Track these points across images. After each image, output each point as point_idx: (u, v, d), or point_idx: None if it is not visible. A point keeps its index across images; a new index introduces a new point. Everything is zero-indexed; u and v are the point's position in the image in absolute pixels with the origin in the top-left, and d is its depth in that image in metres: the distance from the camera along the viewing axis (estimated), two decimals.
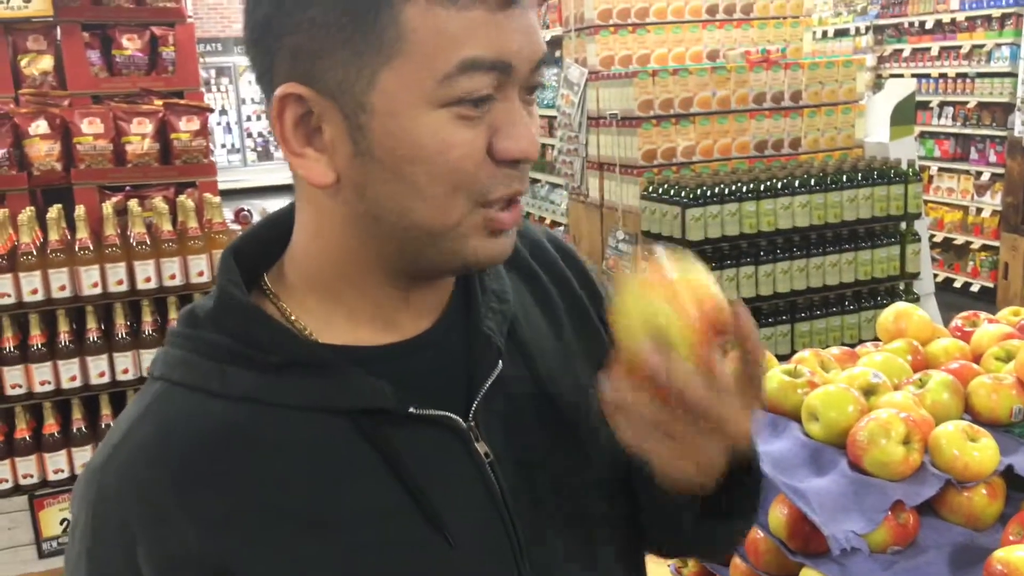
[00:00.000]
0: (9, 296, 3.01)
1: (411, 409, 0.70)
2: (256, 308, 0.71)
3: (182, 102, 3.62)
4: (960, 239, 7.55)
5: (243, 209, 4.28)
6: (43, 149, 3.36)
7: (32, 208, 3.23)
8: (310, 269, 0.73)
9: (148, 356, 3.21)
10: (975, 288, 7.32)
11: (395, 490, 0.69)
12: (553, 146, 5.41)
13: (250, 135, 15.28)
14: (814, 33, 8.78)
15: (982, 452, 1.07)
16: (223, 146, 14.86)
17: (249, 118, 15.22)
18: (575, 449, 0.78)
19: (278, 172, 14.51)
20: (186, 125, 3.57)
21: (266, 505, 0.66)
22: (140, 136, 3.48)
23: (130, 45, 3.68)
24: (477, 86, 0.62)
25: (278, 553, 0.66)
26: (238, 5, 14.56)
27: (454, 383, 0.74)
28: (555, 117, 5.25)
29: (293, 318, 0.72)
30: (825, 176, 3.92)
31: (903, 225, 4.18)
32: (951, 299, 6.57)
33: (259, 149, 15.33)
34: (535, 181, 5.78)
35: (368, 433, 0.69)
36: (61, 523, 3.16)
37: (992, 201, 7.30)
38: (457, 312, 0.77)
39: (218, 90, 14.70)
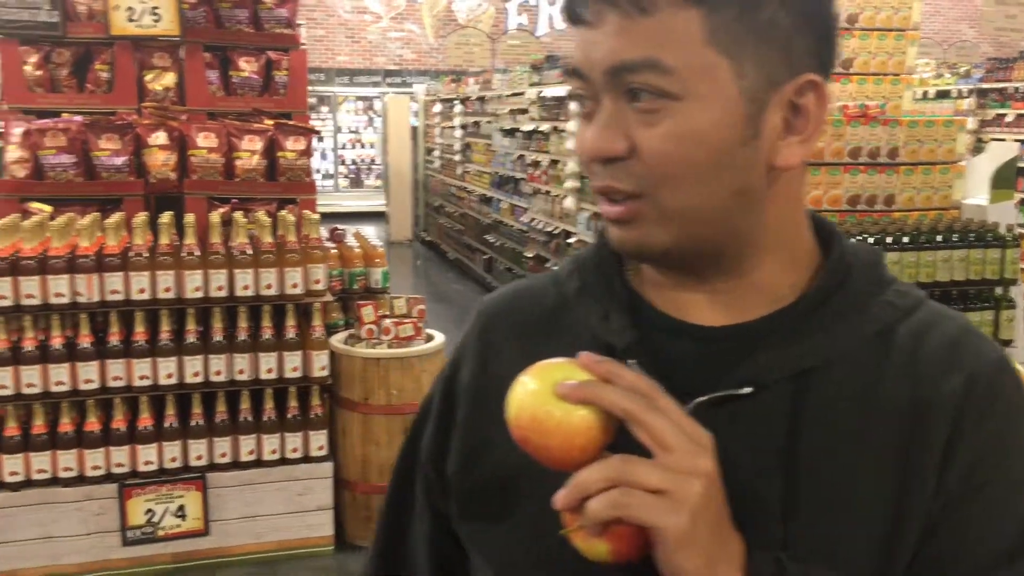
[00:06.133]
0: (119, 293, 3.19)
1: (628, 361, 0.72)
2: (602, 242, 0.83)
3: (290, 123, 3.80)
4: None
5: (337, 228, 4.43)
6: (160, 159, 3.57)
7: (146, 213, 3.42)
8: None
9: (240, 360, 3.35)
10: None
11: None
12: None
13: (343, 162, 15.74)
14: (914, 93, 8.64)
15: None
16: (317, 171, 15.33)
17: (344, 146, 15.69)
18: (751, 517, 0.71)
19: (368, 199, 14.90)
20: (292, 145, 3.74)
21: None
22: (250, 152, 3.66)
23: (247, 67, 3.89)
24: (570, 87, 0.76)
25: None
26: (343, 38, 15.10)
27: (703, 379, 0.73)
28: None
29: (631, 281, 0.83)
30: (919, 234, 3.86)
31: (998, 290, 4.07)
32: None
33: (351, 176, 15.77)
34: None
35: None
36: (146, 513, 3.30)
37: None
38: (766, 327, 0.76)
39: (317, 117, 15.23)
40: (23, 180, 3.46)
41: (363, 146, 15.88)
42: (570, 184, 6.58)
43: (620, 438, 0.64)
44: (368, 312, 3.71)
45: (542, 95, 7.36)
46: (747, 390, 0.72)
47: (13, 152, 3.48)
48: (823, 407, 0.73)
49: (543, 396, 0.63)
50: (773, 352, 0.74)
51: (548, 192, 7.18)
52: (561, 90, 6.82)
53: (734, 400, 0.72)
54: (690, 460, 0.62)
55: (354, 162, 15.90)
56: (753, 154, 0.71)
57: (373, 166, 15.73)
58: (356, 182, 15.86)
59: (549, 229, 7.10)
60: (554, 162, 7.03)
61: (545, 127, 7.25)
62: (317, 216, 3.71)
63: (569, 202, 6.62)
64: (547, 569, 0.75)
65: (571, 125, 6.45)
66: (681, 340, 0.77)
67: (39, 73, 3.64)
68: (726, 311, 0.77)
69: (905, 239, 3.81)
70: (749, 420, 0.72)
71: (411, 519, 0.92)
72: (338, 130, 15.64)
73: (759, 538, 0.67)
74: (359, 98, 15.60)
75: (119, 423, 3.27)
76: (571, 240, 6.60)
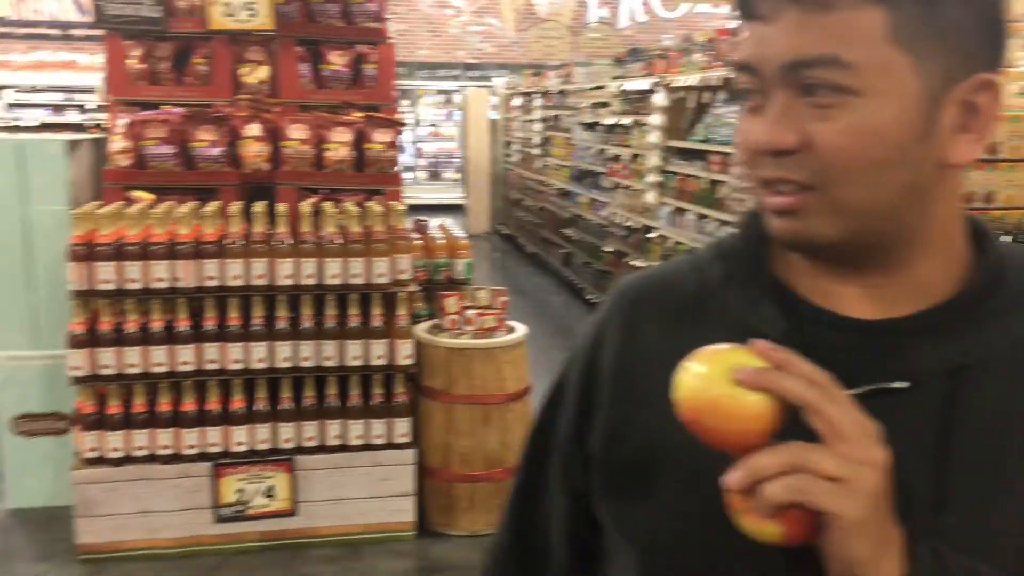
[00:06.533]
0: (215, 279, 3.31)
1: None
2: (750, 231, 0.82)
3: (378, 115, 3.87)
4: None
5: (421, 219, 4.49)
6: (254, 150, 3.68)
7: (241, 202, 3.53)
8: None
9: (328, 346, 3.43)
10: None
11: None
12: (726, 182, 5.38)
13: (422, 155, 15.93)
14: (1016, 87, 8.28)
15: None
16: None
17: (423, 139, 15.88)
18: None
19: (446, 191, 15.04)
20: (380, 137, 3.81)
21: (665, 357, 0.73)
22: (339, 144, 3.75)
23: (337, 61, 3.97)
24: (737, 82, 0.76)
25: (656, 407, 0.73)
26: (424, 32, 15.27)
27: (855, 371, 0.72)
28: (730, 154, 5.23)
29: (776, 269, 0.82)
30: (1020, 233, 3.72)
31: None
32: None
33: (430, 169, 15.95)
34: (703, 217, 5.76)
35: None
36: (237, 492, 3.41)
37: None
38: (920, 323, 0.76)
39: (399, 110, 15.44)
40: (127, 169, 3.61)
41: (442, 139, 16.02)
42: (652, 179, 6.52)
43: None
44: (451, 303, 3.75)
45: (624, 88, 7.31)
46: (903, 384, 0.72)
47: (118, 142, 3.63)
48: (976, 406, 0.73)
49: (717, 381, 0.64)
50: (928, 348, 0.74)
51: (629, 186, 7.14)
52: (644, 83, 6.77)
53: (886, 394, 0.72)
54: (864, 450, 0.63)
55: (433, 155, 16.06)
56: (926, 151, 0.71)
57: (452, 159, 15.86)
58: (435, 175, 16.02)
59: (629, 224, 7.06)
60: (635, 156, 6.98)
61: (627, 121, 7.20)
62: (403, 207, 3.77)
63: (650, 196, 6.56)
64: (695, 547, 0.77)
65: (653, 119, 6.39)
66: (833, 331, 0.77)
67: (142, 66, 3.79)
68: (879, 304, 0.77)
69: (1006, 238, 3.67)
70: (901, 415, 0.72)
71: (544, 497, 0.94)
72: (417, 123, 15.82)
73: (910, 532, 0.68)
74: (439, 91, 15.74)
75: (213, 404, 3.39)
76: (651, 235, 6.54)
